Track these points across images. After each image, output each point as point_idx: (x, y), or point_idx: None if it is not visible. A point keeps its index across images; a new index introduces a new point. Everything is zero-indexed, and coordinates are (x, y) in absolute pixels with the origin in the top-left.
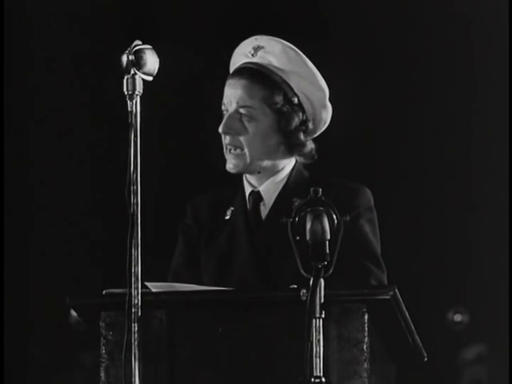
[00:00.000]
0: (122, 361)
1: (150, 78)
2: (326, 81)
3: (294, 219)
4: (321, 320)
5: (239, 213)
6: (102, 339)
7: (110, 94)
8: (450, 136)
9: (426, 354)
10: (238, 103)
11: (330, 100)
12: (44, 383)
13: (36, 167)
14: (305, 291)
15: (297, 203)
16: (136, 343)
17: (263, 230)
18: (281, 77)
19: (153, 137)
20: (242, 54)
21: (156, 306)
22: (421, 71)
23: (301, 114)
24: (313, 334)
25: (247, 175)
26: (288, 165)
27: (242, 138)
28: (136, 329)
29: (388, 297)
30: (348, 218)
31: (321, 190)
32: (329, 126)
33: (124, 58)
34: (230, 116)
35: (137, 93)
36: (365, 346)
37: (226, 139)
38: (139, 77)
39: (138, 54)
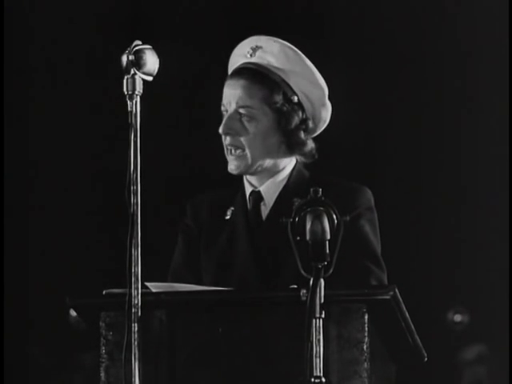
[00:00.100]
0: (122, 361)
1: (150, 78)
2: (325, 80)
3: (294, 219)
4: (321, 320)
5: (239, 213)
6: (102, 339)
7: (110, 94)
8: (450, 136)
9: (425, 354)
10: (237, 103)
11: (330, 99)
12: (44, 383)
13: (36, 167)
14: (305, 291)
15: (297, 203)
16: (136, 343)
17: (263, 229)
18: (280, 76)
19: (153, 137)
20: (240, 55)
21: (156, 306)
22: (421, 71)
23: (300, 112)
24: (313, 334)
25: (247, 175)
26: (288, 165)
27: (242, 139)
28: (136, 329)
29: (388, 297)
30: (348, 218)
31: (321, 190)
32: (329, 125)
33: (124, 58)
34: (230, 116)
35: (137, 93)
36: (365, 346)
37: (226, 140)
38: (139, 77)
39: (138, 54)
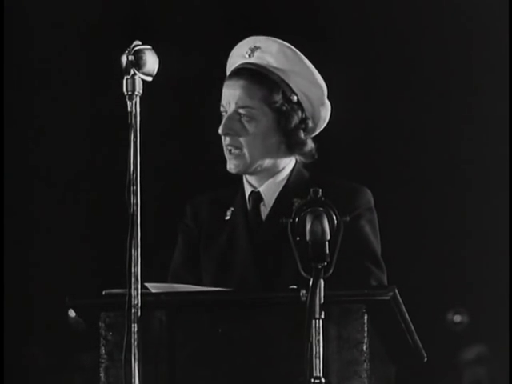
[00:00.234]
0: (122, 361)
1: (150, 79)
2: (325, 80)
3: (294, 220)
4: (320, 320)
5: (239, 213)
6: (101, 340)
7: (110, 94)
8: (450, 136)
9: (425, 355)
10: (236, 104)
11: (330, 99)
12: (44, 383)
13: (36, 167)
14: (304, 292)
15: (297, 204)
16: (136, 344)
17: (263, 230)
18: (279, 76)
19: (152, 137)
20: (238, 56)
21: (156, 306)
22: (421, 70)
23: (300, 112)
24: (312, 334)
25: (247, 176)
26: (288, 165)
27: (241, 139)
28: (136, 329)
29: (388, 297)
30: (348, 218)
31: (321, 190)
32: (329, 125)
33: (124, 59)
34: (230, 117)
35: (136, 93)
36: (364, 347)
37: (225, 140)
38: (139, 77)
39: (138, 55)
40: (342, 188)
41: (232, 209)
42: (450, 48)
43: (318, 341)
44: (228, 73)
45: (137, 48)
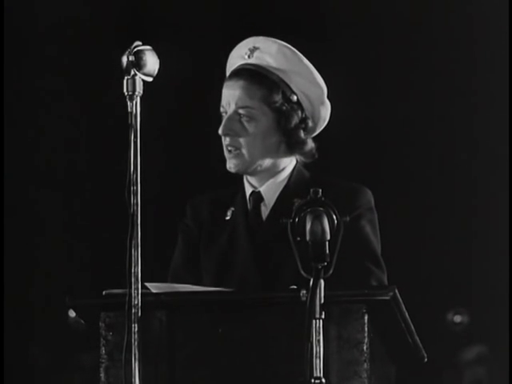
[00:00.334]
0: (122, 361)
1: (150, 79)
2: (325, 80)
3: (294, 220)
4: (321, 321)
5: (240, 213)
6: (101, 340)
7: (110, 94)
8: (450, 135)
9: (425, 355)
10: (236, 104)
11: (330, 99)
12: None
13: (36, 167)
14: (305, 292)
15: (297, 204)
16: (136, 344)
17: (264, 230)
18: (278, 76)
19: (153, 137)
20: (238, 57)
21: (156, 306)
22: (421, 70)
23: (300, 112)
24: (313, 334)
25: (248, 176)
26: (289, 165)
27: (241, 139)
28: (136, 329)
29: (388, 297)
30: (348, 218)
31: (321, 190)
32: (329, 125)
33: (124, 59)
34: (230, 117)
35: (137, 93)
36: (365, 347)
37: (225, 140)
38: (139, 77)
39: (138, 55)
40: (343, 188)
41: (232, 209)
42: (451, 48)
43: (318, 341)
44: (228, 74)
45: (137, 48)
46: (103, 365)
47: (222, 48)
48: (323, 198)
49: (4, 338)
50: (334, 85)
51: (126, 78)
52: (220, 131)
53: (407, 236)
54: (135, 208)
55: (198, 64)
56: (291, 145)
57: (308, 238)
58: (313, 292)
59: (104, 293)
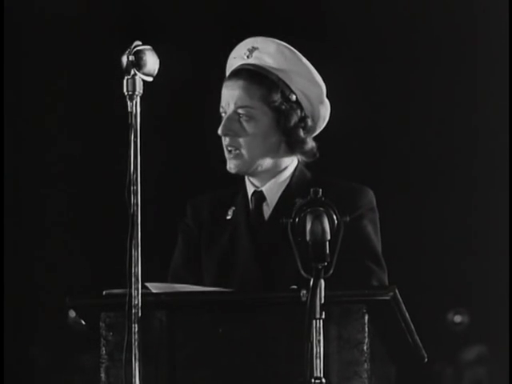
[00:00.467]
0: (123, 361)
1: (150, 79)
2: (326, 80)
3: (294, 220)
4: (321, 321)
5: (241, 212)
6: (102, 340)
7: (110, 94)
8: (451, 135)
9: (426, 355)
10: (236, 104)
11: (331, 99)
12: None
13: (36, 167)
14: (305, 292)
15: (297, 204)
16: (136, 344)
17: (266, 230)
18: (277, 76)
19: (153, 137)
20: (237, 57)
21: (156, 306)
22: (422, 69)
23: (299, 111)
24: (313, 334)
25: (249, 176)
26: (290, 165)
27: (241, 139)
28: (136, 329)
29: (388, 297)
30: (348, 218)
31: (321, 190)
32: (330, 125)
33: (124, 59)
34: (229, 117)
35: (137, 93)
36: (365, 347)
37: (225, 140)
38: (139, 77)
39: (138, 55)
40: (345, 188)
41: (233, 208)
42: (451, 47)
43: (319, 341)
44: (227, 74)
45: (137, 48)
46: (103, 365)
47: (222, 48)
48: (323, 198)
49: (4, 338)
50: (335, 84)
51: (125, 77)
52: (219, 131)
53: (407, 236)
54: (135, 208)
55: (198, 64)
56: (291, 144)
57: (308, 237)
58: (313, 292)
59: (104, 293)
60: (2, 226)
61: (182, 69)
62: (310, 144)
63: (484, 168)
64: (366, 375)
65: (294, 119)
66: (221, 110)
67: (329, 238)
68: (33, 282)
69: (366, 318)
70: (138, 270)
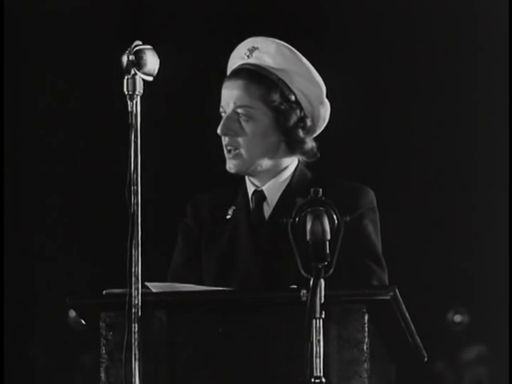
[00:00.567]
0: (123, 361)
1: (151, 79)
2: (327, 80)
3: (295, 219)
4: (321, 320)
5: (241, 212)
6: (102, 339)
7: (110, 94)
8: (452, 135)
9: (425, 355)
10: (235, 103)
11: (332, 99)
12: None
13: (36, 167)
14: (305, 291)
15: (298, 203)
16: (136, 343)
17: (266, 229)
18: (277, 75)
19: (153, 137)
20: (237, 57)
21: (156, 306)
22: (422, 69)
23: (298, 111)
24: (313, 334)
25: (249, 176)
26: (291, 165)
27: (240, 139)
28: (136, 329)
29: (388, 297)
30: (348, 218)
31: (321, 190)
32: (330, 125)
33: (124, 59)
34: (228, 117)
35: (137, 93)
36: (365, 347)
37: (225, 140)
38: (139, 77)
39: (139, 55)
40: (345, 188)
41: (233, 208)
42: (451, 48)
43: (319, 340)
44: (228, 74)
45: (137, 48)
46: (103, 365)
47: (222, 48)
48: (324, 198)
49: (4, 338)
50: (335, 84)
51: (126, 77)
52: (219, 131)
53: (407, 236)
54: (135, 208)
55: (198, 64)
56: (291, 144)
57: (308, 237)
58: (313, 292)
59: (104, 293)
60: (2, 226)
61: (182, 69)
62: (310, 144)
63: (484, 168)
64: (365, 375)
65: (293, 119)
66: (221, 109)
67: (329, 237)
68: (33, 282)
69: (366, 317)
70: (137, 269)
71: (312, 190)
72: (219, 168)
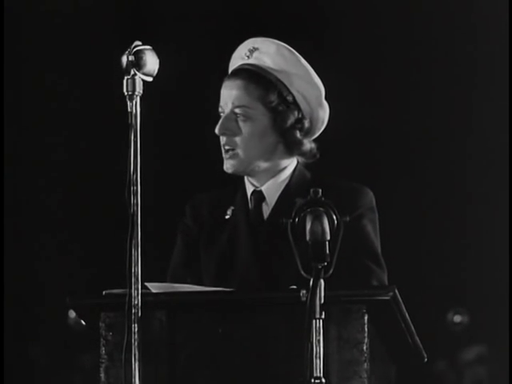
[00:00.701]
0: (122, 361)
1: (150, 79)
2: (326, 80)
3: (294, 220)
4: (321, 321)
5: (240, 212)
6: (101, 340)
7: (110, 94)
8: (451, 135)
9: (425, 355)
10: (233, 103)
11: (331, 100)
12: None
13: (36, 167)
14: (305, 292)
15: (297, 204)
16: (136, 344)
17: (265, 229)
18: (275, 76)
19: (153, 137)
20: (238, 57)
21: (156, 306)
22: (421, 70)
23: (296, 112)
24: (313, 334)
25: (248, 176)
26: (290, 165)
27: (237, 139)
28: (136, 329)
29: (388, 297)
30: (348, 218)
31: (321, 190)
32: (330, 126)
33: (124, 59)
34: (226, 117)
35: (137, 93)
36: (365, 347)
37: (222, 140)
38: (139, 77)
39: (138, 55)
40: (344, 188)
41: (232, 208)
42: (451, 48)
43: (319, 341)
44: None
45: (137, 48)
46: (103, 365)
47: (222, 48)
48: (323, 198)
49: (4, 338)
50: (335, 85)
51: (125, 77)
52: (216, 130)
53: (407, 236)
54: (135, 208)
55: (198, 64)
56: (288, 145)
57: (308, 237)
58: (313, 292)
59: (104, 293)
60: (2, 226)
61: (182, 69)
62: (309, 145)
63: (484, 168)
64: (365, 375)
65: (291, 120)
66: (220, 109)
67: (328, 237)
68: (33, 282)
69: (366, 317)
70: (137, 269)
71: (312, 190)
72: (218, 168)
